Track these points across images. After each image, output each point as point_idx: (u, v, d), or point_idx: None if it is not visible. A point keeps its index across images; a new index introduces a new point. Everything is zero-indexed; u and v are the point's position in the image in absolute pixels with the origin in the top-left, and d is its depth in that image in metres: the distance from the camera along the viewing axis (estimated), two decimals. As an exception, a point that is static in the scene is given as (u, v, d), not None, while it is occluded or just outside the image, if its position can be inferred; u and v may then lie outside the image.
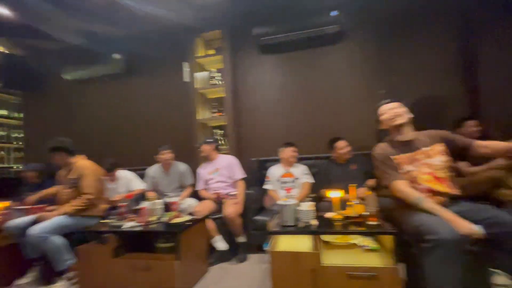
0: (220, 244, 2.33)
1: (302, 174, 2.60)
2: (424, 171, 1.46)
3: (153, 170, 2.91)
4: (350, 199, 1.68)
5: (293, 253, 1.48)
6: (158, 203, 2.08)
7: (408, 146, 1.53)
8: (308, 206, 1.55)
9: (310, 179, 2.59)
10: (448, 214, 1.26)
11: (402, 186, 1.43)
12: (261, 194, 2.68)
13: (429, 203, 1.33)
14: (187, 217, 2.01)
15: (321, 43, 3.07)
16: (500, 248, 1.25)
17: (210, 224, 2.33)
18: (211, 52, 3.35)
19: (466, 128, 2.41)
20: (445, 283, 1.15)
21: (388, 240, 1.44)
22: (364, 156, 2.65)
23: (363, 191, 2.18)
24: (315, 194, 2.49)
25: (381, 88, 2.90)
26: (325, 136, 2.77)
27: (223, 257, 2.32)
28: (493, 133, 2.57)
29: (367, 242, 1.65)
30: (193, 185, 2.83)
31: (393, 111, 1.57)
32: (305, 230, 1.51)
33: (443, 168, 1.46)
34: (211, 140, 2.77)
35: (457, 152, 1.49)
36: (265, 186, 2.67)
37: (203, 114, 3.31)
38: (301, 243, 1.62)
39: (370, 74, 2.97)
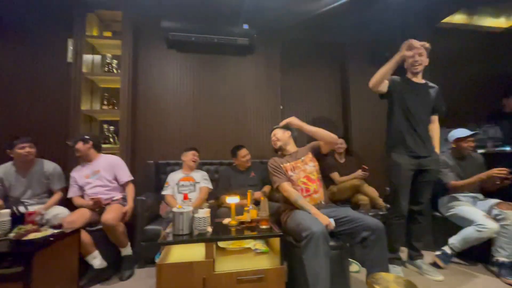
0: (97, 261, 1.93)
1: (201, 179, 2.53)
2: (302, 175, 1.81)
3: (2, 170, 2.15)
4: (247, 205, 1.74)
5: (184, 263, 1.39)
6: (4, 214, 1.54)
7: (292, 157, 1.90)
8: (204, 213, 1.50)
9: (208, 184, 2.54)
10: (314, 210, 1.61)
11: (287, 187, 1.75)
12: (155, 201, 2.42)
13: (303, 201, 1.68)
14: (49, 231, 1.57)
15: (232, 52, 3.15)
16: (353, 241, 1.56)
17: (85, 238, 1.91)
18: (107, 34, 2.87)
19: (338, 145, 2.97)
20: (319, 273, 1.35)
21: (276, 242, 1.56)
22: (262, 164, 2.85)
23: (259, 195, 2.32)
24: (215, 200, 2.48)
25: (280, 104, 3.24)
26: (229, 143, 2.83)
27: (100, 276, 1.94)
28: (356, 150, 3.30)
29: (259, 245, 1.74)
30: (64, 190, 2.26)
31: (275, 137, 1.96)
32: (200, 238, 1.44)
33: (314, 171, 1.83)
34: (88, 137, 2.25)
35: (321, 153, 1.88)
36: (163, 192, 2.44)
37: (90, 105, 2.75)
38: (198, 252, 1.54)
39: (272, 89, 3.25)
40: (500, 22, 3.85)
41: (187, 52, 3.09)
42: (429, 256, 2.12)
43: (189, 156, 2.52)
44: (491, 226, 1.86)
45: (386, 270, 1.47)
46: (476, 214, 1.97)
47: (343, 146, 2.99)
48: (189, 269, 1.38)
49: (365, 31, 3.28)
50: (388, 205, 2.33)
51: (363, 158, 3.17)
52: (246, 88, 3.19)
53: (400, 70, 1.94)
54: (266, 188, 2.53)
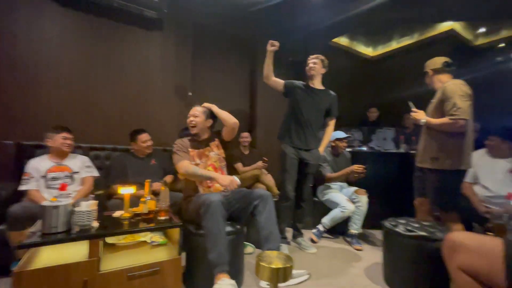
0: None
1: (82, 167, 2.05)
2: (208, 163, 1.84)
3: None
4: (144, 195, 1.60)
5: (55, 267, 1.15)
6: None
7: (202, 144, 1.88)
8: (88, 206, 1.28)
9: (93, 172, 2.10)
10: (215, 174, 1.71)
11: (186, 164, 1.72)
12: (15, 195, 1.87)
13: (203, 170, 1.73)
14: None
15: (137, 23, 2.77)
16: (247, 213, 1.70)
17: None
18: None
19: (243, 139, 3.14)
20: (218, 234, 1.45)
21: (176, 233, 1.51)
22: (166, 152, 2.68)
23: (158, 186, 2.17)
24: (105, 190, 2.15)
25: (189, 91, 3.11)
26: (127, 126, 2.51)
27: None
28: (260, 142, 3.56)
29: (156, 238, 1.64)
30: None
31: (195, 112, 1.87)
32: (80, 235, 1.23)
33: (217, 159, 1.88)
34: None
35: (226, 142, 1.96)
36: (22, 187, 1.81)
37: None
38: (79, 251, 1.30)
39: (182, 73, 3.07)
40: (369, 51, 4.99)
41: (76, 10, 2.50)
42: (307, 234, 2.57)
43: (58, 140, 1.93)
44: (350, 207, 2.42)
45: (276, 232, 1.62)
46: (341, 199, 2.50)
47: (248, 140, 3.18)
48: (63, 273, 1.15)
49: (276, 30, 3.52)
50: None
51: (265, 151, 3.46)
52: (151, 67, 2.88)
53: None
54: (168, 178, 2.40)
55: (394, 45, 4.72)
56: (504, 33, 4.11)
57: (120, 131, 2.57)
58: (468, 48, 4.31)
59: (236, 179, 1.65)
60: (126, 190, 1.50)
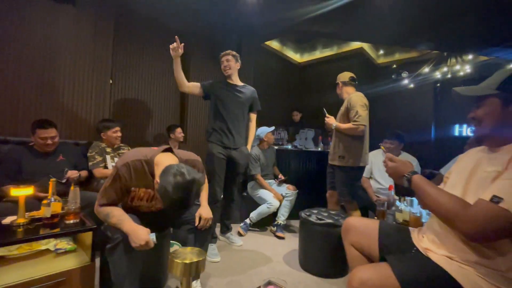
0: None
1: None
2: None
3: None
4: (48, 197, 1.38)
5: None
6: None
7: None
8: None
9: None
10: (127, 227, 1.18)
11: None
12: None
13: (113, 219, 1.23)
14: None
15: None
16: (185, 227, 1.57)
17: None
18: None
19: (176, 134, 3.02)
20: (127, 276, 1.20)
21: (88, 237, 1.36)
22: (78, 146, 2.36)
23: (75, 173, 1.91)
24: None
25: (110, 78, 2.80)
26: (28, 116, 2.11)
27: None
28: (191, 138, 3.47)
29: (63, 244, 1.44)
30: None
31: None
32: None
33: None
34: None
35: None
36: None
37: None
38: None
39: (101, 59, 2.70)
40: (297, 57, 5.44)
41: None
42: (236, 227, 2.67)
43: None
44: (276, 204, 2.65)
45: (206, 245, 1.62)
46: (269, 196, 2.69)
47: (182, 135, 3.07)
48: None
49: (208, 27, 3.48)
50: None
51: (196, 146, 3.40)
52: (60, 47, 2.45)
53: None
54: (83, 173, 2.12)
55: (317, 54, 5.28)
56: (397, 56, 5.12)
57: (18, 121, 2.12)
58: (373, 65, 5.19)
59: (152, 239, 1.18)
60: (20, 192, 1.26)
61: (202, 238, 1.50)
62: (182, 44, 2.00)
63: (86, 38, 2.59)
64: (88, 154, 2.23)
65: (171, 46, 1.98)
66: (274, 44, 4.85)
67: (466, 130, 4.54)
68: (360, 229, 1.21)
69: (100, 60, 2.68)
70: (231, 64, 2.24)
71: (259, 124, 3.08)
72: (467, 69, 4.06)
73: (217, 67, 3.35)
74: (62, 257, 1.37)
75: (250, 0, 2.47)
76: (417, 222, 1.47)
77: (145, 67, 3.17)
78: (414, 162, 2.67)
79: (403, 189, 1.11)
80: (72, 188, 1.37)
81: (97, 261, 1.40)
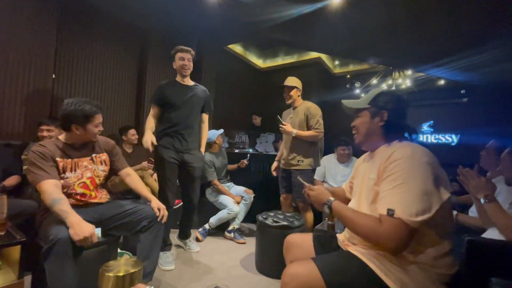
0: None
1: None
2: (84, 176, 1.49)
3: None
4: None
5: None
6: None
7: (80, 151, 1.51)
8: None
9: None
10: (73, 219, 1.20)
11: (47, 187, 1.27)
12: None
13: (63, 206, 1.24)
14: None
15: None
16: (131, 232, 1.52)
17: None
18: None
19: (129, 136, 2.84)
20: (63, 284, 1.16)
21: (16, 252, 1.20)
22: (9, 147, 2.09)
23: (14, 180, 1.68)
24: None
25: (53, 72, 2.53)
26: None
27: None
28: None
29: (-18, 261, 1.24)
30: None
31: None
32: None
33: (102, 176, 1.58)
34: None
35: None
36: None
37: None
38: None
39: (42, 49, 2.43)
40: (260, 62, 5.55)
41: None
42: (194, 233, 2.60)
43: None
44: (236, 209, 2.63)
45: (157, 255, 1.56)
46: (229, 201, 2.67)
47: (136, 137, 2.89)
48: None
49: (168, 26, 3.37)
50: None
51: (152, 149, 3.22)
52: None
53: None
54: (11, 181, 1.86)
55: (280, 61, 5.45)
56: (351, 67, 5.54)
57: None
58: (329, 74, 5.53)
59: (97, 234, 1.22)
60: None
61: (156, 232, 1.53)
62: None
63: (22, 27, 2.30)
64: (23, 157, 1.98)
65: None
66: (238, 48, 4.88)
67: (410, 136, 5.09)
68: (297, 243, 1.22)
69: (40, 53, 2.40)
70: (191, 64, 2.11)
71: (222, 127, 3.06)
72: (408, 82, 4.57)
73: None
74: (-19, 276, 1.18)
75: (211, 3, 2.45)
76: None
77: (97, 62, 2.94)
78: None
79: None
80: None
81: (28, 278, 1.24)
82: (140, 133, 3.20)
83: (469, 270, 0.90)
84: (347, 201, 1.17)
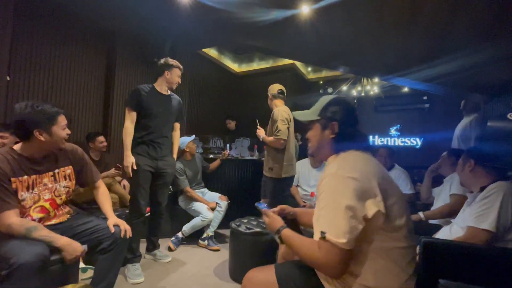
0: None
1: None
2: (44, 197, 1.33)
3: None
4: None
5: None
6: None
7: (40, 165, 1.31)
8: None
9: None
10: (61, 242, 1.20)
11: (12, 219, 1.16)
12: None
13: (42, 231, 1.20)
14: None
15: None
16: (93, 250, 1.40)
17: None
18: None
19: (97, 144, 2.68)
20: None
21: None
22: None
23: None
24: None
25: (7, 74, 2.34)
26: None
27: None
28: (115, 147, 3.15)
29: None
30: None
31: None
32: None
33: (64, 194, 1.42)
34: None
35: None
36: None
37: None
38: None
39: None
40: (235, 66, 5.55)
41: None
42: (166, 242, 2.51)
43: None
44: (210, 216, 2.58)
45: (116, 273, 1.45)
46: (203, 208, 2.61)
47: (104, 144, 2.74)
48: None
49: (138, 28, 3.25)
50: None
51: (120, 156, 3.08)
52: None
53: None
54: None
55: (255, 66, 5.50)
56: (324, 73, 5.74)
57: None
58: (303, 80, 5.68)
59: (83, 248, 1.25)
60: None
61: (117, 254, 1.42)
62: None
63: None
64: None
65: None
66: (212, 52, 4.85)
67: (377, 140, 5.39)
68: (257, 282, 1.02)
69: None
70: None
71: (196, 132, 3.00)
72: (375, 89, 4.83)
73: (147, 71, 3.18)
74: None
75: (182, 6, 2.41)
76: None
77: (60, 63, 2.76)
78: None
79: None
80: None
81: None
82: (109, 139, 3.05)
83: (423, 272, 0.96)
84: None
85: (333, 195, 0.83)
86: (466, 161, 1.44)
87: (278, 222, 1.03)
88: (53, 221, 1.38)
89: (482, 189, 1.31)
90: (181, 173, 2.70)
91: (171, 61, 2.13)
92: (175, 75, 2.12)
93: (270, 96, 2.45)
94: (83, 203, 2.41)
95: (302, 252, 0.88)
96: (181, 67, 2.17)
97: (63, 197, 1.42)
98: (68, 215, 1.47)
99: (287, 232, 0.97)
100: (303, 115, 1.10)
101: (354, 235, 0.78)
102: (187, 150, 2.81)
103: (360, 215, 0.79)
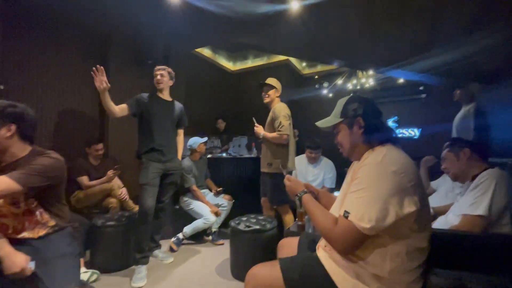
0: None
1: None
2: None
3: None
4: None
5: None
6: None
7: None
8: None
9: None
10: (3, 251, 1.03)
11: None
12: None
13: None
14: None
15: None
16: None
17: None
18: None
19: (92, 151, 2.67)
20: None
21: None
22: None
23: None
24: None
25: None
26: None
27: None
28: (113, 152, 3.15)
29: None
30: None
31: None
32: None
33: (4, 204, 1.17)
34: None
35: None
36: None
37: None
38: None
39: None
40: (230, 65, 5.54)
41: None
42: (168, 242, 2.54)
43: None
44: (213, 219, 2.60)
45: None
46: (205, 210, 2.63)
47: (102, 151, 2.74)
48: None
49: (132, 28, 3.22)
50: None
51: (120, 160, 3.09)
52: None
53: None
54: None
55: (249, 63, 5.48)
56: (319, 68, 5.72)
57: None
58: (298, 75, 5.67)
59: (30, 267, 1.05)
60: None
61: None
62: (104, 79, 1.87)
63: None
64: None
65: (101, 87, 1.86)
66: (206, 52, 4.83)
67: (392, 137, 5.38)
68: (286, 245, 1.22)
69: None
70: (164, 79, 2.25)
71: (192, 132, 3.01)
72: (371, 81, 4.82)
73: (141, 73, 3.17)
74: None
75: (173, 6, 2.41)
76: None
77: (54, 68, 2.74)
78: (329, 165, 3.02)
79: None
80: None
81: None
82: (107, 146, 3.05)
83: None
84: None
85: (372, 183, 0.84)
86: (460, 150, 1.44)
87: (300, 186, 1.08)
88: (24, 234, 1.17)
89: (473, 178, 1.32)
90: (188, 171, 2.74)
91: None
92: (155, 76, 2.25)
93: (275, 90, 2.41)
94: (84, 208, 2.43)
95: (319, 219, 0.92)
96: (161, 67, 2.27)
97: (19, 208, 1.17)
98: (45, 231, 1.20)
99: (308, 197, 1.03)
100: (327, 122, 1.10)
101: (379, 225, 0.79)
102: (198, 150, 2.86)
103: (394, 209, 0.80)
